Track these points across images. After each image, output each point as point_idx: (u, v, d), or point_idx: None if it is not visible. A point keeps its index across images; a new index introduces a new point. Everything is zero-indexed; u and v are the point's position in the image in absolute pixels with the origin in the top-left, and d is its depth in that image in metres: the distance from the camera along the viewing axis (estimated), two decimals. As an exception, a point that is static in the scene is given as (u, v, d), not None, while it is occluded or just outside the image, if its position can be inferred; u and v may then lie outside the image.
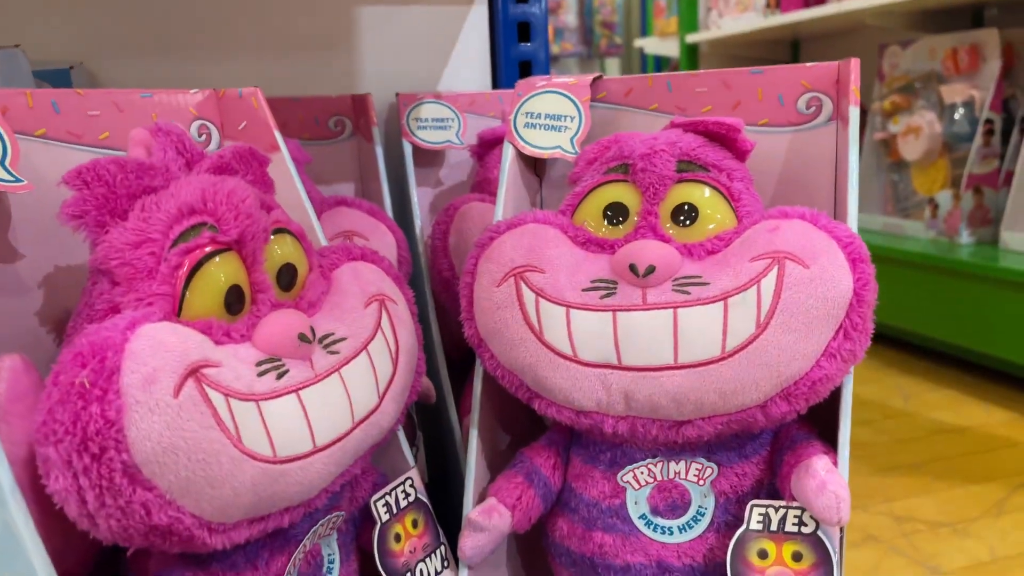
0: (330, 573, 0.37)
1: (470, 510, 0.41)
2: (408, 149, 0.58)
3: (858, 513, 0.89)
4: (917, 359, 1.38)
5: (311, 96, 0.58)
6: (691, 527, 0.39)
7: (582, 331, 0.37)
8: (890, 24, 1.55)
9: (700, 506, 0.39)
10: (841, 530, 0.36)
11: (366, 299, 0.37)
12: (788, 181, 0.45)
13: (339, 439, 0.33)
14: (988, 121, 1.33)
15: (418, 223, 0.57)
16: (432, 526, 0.41)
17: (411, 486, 0.40)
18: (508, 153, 0.46)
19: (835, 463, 0.37)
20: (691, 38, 1.98)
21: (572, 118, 0.45)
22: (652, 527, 0.40)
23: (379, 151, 0.56)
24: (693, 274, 0.37)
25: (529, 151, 0.46)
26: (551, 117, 0.46)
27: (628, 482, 0.40)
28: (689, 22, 2.01)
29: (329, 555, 0.37)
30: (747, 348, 0.35)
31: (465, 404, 0.54)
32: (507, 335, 0.39)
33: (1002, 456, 1.01)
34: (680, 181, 0.40)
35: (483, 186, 0.57)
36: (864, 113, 1.63)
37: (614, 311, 0.37)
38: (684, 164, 0.40)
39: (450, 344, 0.55)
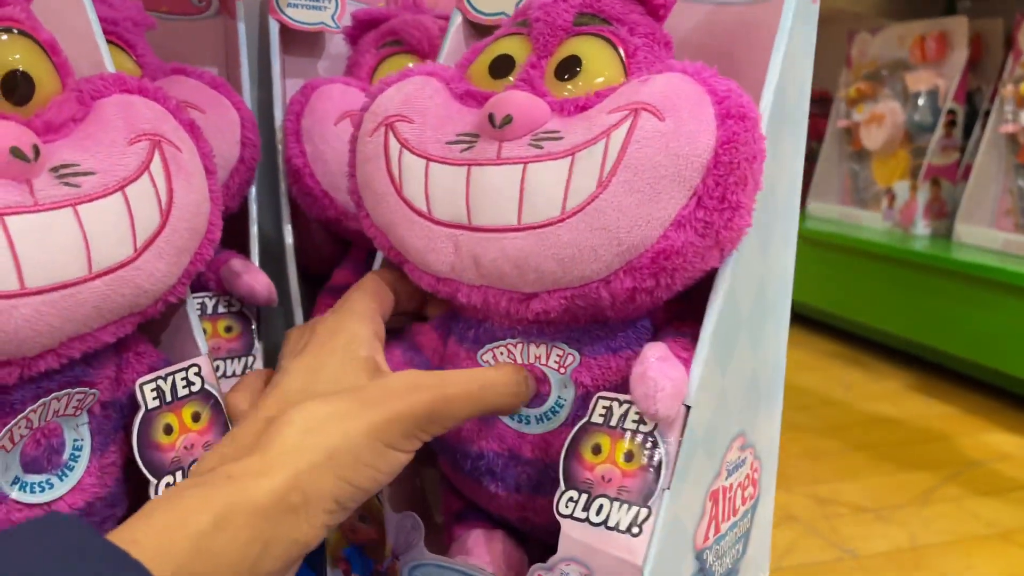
0: (74, 461, 0.31)
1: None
2: (275, 28, 0.52)
3: (780, 493, 0.84)
4: (864, 351, 1.34)
5: (173, -35, 0.52)
6: (549, 418, 0.36)
7: (438, 187, 0.34)
8: (862, 10, 1.51)
9: (559, 396, 0.35)
10: (680, 437, 0.31)
11: (133, 136, 0.31)
12: (731, 62, 0.39)
13: (65, 286, 0.27)
14: (951, 112, 1.29)
15: (279, 114, 0.51)
16: (221, 424, 0.35)
17: (196, 374, 0.34)
18: (455, 21, 0.43)
19: (688, 362, 0.32)
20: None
21: None
22: (510, 415, 0.36)
23: (241, 28, 0.50)
24: (553, 129, 0.33)
25: (475, 16, 0.43)
26: None
27: (487, 362, 0.36)
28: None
29: (75, 441, 0.31)
30: (585, 209, 0.31)
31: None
32: (374, 189, 0.36)
33: (936, 448, 0.98)
34: (576, 35, 0.36)
35: (353, 70, 0.51)
36: (829, 101, 1.60)
37: (469, 165, 0.34)
38: (585, 17, 0.36)
39: (306, 251, 0.49)
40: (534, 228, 0.32)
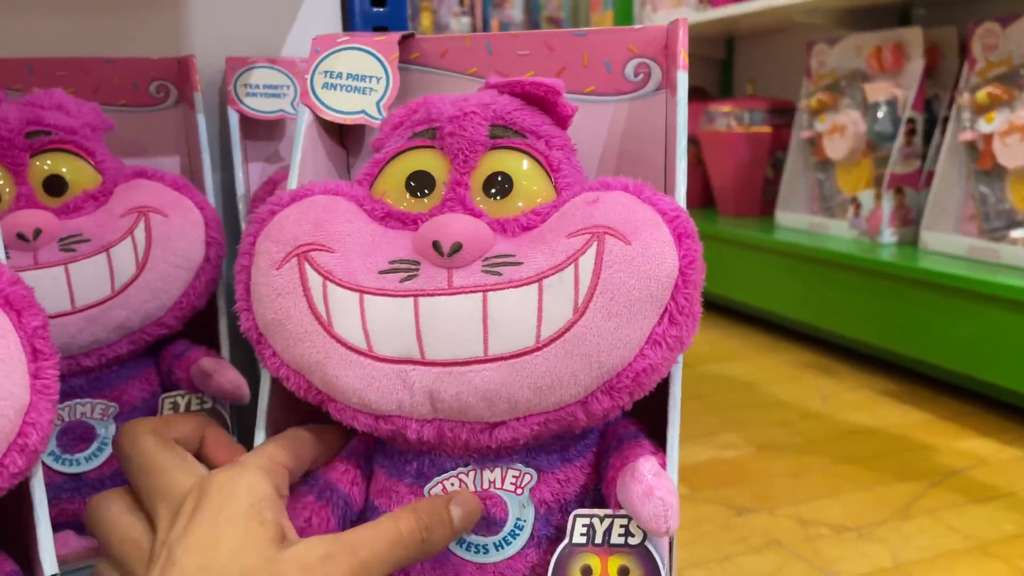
0: None
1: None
2: (235, 119, 0.52)
3: (764, 516, 0.86)
4: (838, 359, 1.36)
5: (128, 57, 0.52)
6: (508, 543, 0.35)
7: (379, 321, 0.32)
8: (819, 21, 1.53)
9: (518, 518, 0.35)
10: (671, 540, 0.32)
11: None
12: (617, 155, 0.40)
13: None
14: (910, 120, 1.32)
15: (243, 204, 0.51)
16: None
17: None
18: (304, 118, 0.40)
19: (664, 465, 0.33)
20: (626, 33, 1.95)
21: (378, 79, 0.40)
22: (465, 546, 0.35)
23: (201, 120, 0.50)
24: (506, 252, 0.33)
25: (329, 116, 0.40)
26: (354, 77, 0.40)
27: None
28: (624, 15, 1.98)
29: None
30: (564, 336, 0.31)
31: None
32: (289, 327, 0.33)
33: (913, 457, 0.99)
34: (493, 148, 0.35)
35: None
36: (792, 111, 1.62)
37: (416, 296, 0.32)
38: (498, 129, 0.36)
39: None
40: (506, 359, 0.31)
